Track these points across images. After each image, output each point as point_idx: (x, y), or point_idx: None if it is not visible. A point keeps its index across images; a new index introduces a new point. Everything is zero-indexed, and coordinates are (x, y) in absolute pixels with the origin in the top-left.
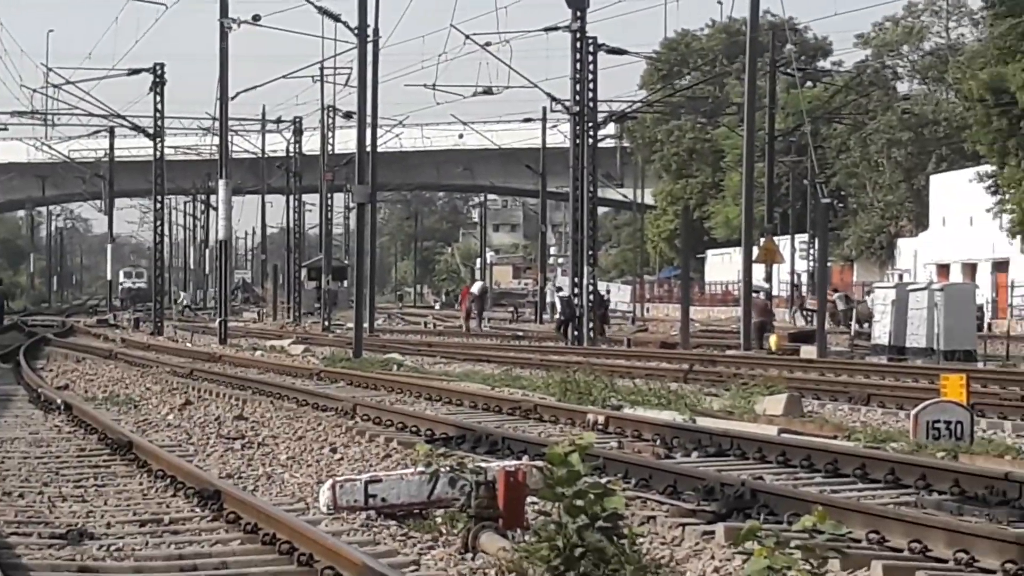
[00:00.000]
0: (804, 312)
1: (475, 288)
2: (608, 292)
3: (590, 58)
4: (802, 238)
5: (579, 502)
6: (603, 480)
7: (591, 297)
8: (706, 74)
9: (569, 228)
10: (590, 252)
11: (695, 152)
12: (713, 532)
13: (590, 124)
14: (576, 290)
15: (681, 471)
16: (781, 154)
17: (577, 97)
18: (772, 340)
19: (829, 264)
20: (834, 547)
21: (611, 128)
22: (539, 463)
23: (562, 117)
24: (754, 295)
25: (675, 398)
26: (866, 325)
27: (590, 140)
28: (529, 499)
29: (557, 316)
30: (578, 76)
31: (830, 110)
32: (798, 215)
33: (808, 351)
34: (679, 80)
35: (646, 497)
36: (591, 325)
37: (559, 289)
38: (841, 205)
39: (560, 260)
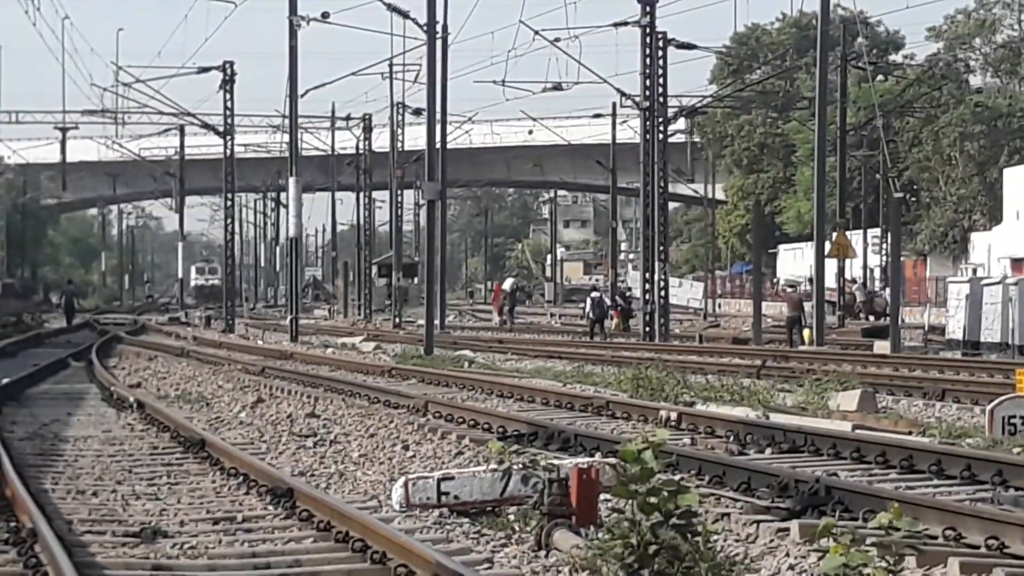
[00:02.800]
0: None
1: (506, 285)
2: (630, 290)
3: (660, 53)
4: (875, 233)
5: (653, 499)
6: (677, 477)
7: (626, 294)
8: (776, 68)
9: (640, 224)
10: (661, 248)
11: (766, 147)
12: (788, 529)
13: (660, 119)
14: (647, 286)
15: (755, 468)
16: (853, 148)
17: (647, 92)
18: (806, 334)
19: (902, 258)
20: (910, 544)
21: (681, 123)
22: (612, 460)
23: (632, 112)
24: (788, 290)
25: (748, 394)
26: (884, 318)
27: (660, 135)
28: (602, 496)
29: (588, 315)
30: (648, 71)
31: (902, 104)
32: (870, 209)
33: (881, 346)
34: (749, 74)
35: (720, 494)
36: (658, 320)
37: (592, 289)
38: (914, 199)
39: (631, 256)
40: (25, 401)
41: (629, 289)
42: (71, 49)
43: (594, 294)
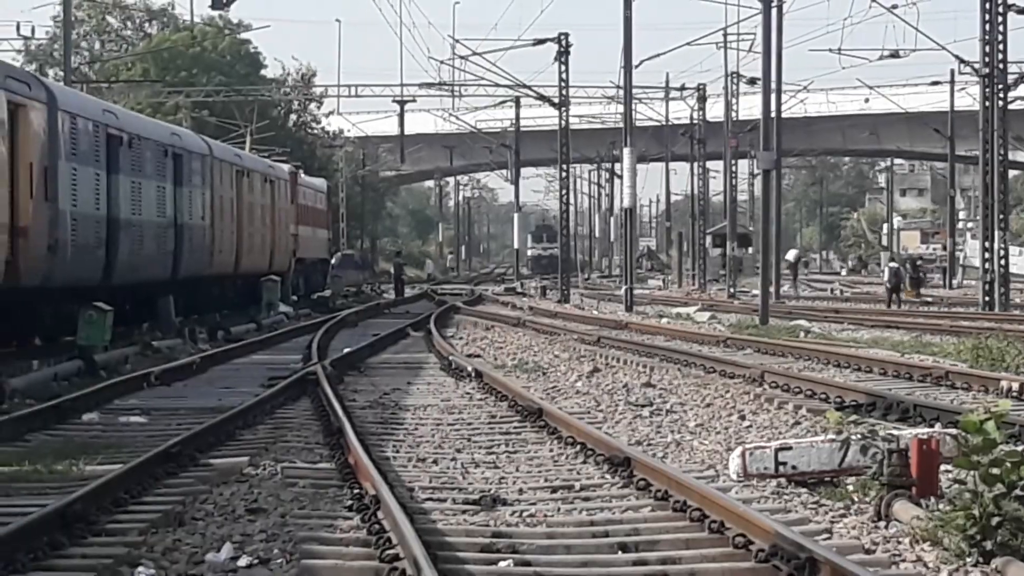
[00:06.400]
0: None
1: (790, 255)
2: (921, 259)
3: (1000, 18)
4: None
5: (995, 470)
6: (1020, 448)
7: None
8: None
9: (978, 192)
10: (1001, 216)
11: None
12: None
13: (1000, 86)
14: (987, 255)
15: None
16: None
17: (987, 58)
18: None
19: None
20: None
21: (1022, 90)
22: (953, 431)
23: (971, 79)
24: (890, 265)
25: None
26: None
27: (1000, 102)
28: (942, 467)
29: (886, 284)
30: (988, 37)
31: None
32: None
33: None
34: None
35: None
36: (998, 290)
37: (891, 259)
38: None
39: (969, 225)
40: (366, 370)
41: (920, 258)
42: (409, 23)
43: (892, 264)
